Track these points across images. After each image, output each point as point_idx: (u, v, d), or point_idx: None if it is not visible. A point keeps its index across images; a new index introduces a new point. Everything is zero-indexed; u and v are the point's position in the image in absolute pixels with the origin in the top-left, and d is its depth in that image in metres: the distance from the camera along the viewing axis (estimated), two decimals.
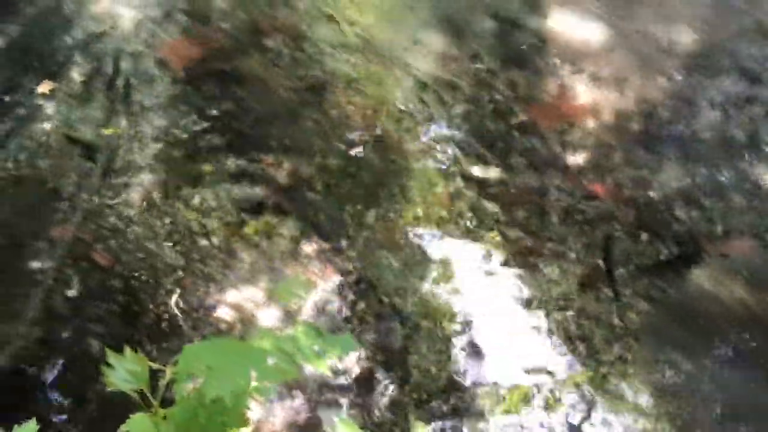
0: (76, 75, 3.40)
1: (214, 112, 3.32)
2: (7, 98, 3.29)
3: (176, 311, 2.73)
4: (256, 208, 3.03)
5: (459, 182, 3.14)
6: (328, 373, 1.14)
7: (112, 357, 1.14)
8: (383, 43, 3.62)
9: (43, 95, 3.29)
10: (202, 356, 1.05)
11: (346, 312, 2.75)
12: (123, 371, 1.11)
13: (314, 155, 3.21)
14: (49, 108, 3.26)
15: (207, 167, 3.12)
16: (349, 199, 3.10)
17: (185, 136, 3.22)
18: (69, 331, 2.65)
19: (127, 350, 1.17)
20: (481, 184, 3.15)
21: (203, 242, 2.91)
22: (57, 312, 2.69)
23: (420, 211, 3.05)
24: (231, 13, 3.72)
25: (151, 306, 2.74)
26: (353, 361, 2.61)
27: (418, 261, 2.91)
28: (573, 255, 2.97)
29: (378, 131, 3.31)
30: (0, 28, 3.55)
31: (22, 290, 2.71)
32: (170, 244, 2.89)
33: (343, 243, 2.96)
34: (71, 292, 2.75)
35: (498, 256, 2.93)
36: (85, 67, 3.43)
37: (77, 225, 2.91)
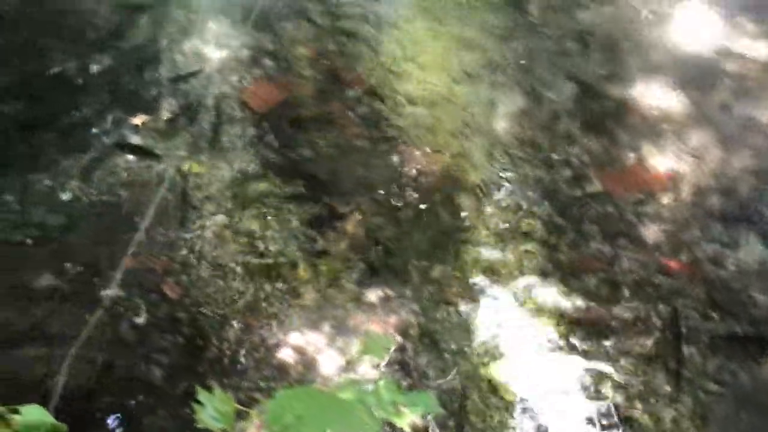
0: (163, 111, 3.54)
1: (291, 156, 3.41)
2: (94, 129, 3.44)
3: (239, 348, 2.77)
4: (324, 253, 3.08)
5: (528, 244, 3.14)
6: (408, 430, 1.14)
7: (202, 395, 1.18)
8: (460, 99, 3.68)
9: (134, 127, 3.44)
10: (292, 405, 1.08)
11: (407, 365, 2.75)
12: (212, 409, 1.15)
13: (385, 205, 3.25)
14: (135, 140, 3.40)
15: (279, 209, 3.19)
16: (417, 251, 3.12)
17: (261, 177, 3.30)
18: (133, 358, 2.71)
19: (217, 390, 1.20)
20: (551, 248, 3.14)
21: (270, 282, 2.96)
22: (123, 339, 2.76)
23: (486, 270, 3.05)
24: (314, 61, 3.84)
25: (214, 341, 2.79)
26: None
27: (481, 321, 2.91)
28: (641, 328, 2.92)
29: (449, 187, 3.34)
30: (94, 61, 3.74)
31: (91, 315, 2.80)
32: (238, 281, 2.95)
33: (408, 295, 2.98)
34: (138, 320, 2.82)
35: (563, 323, 2.90)
36: (172, 103, 3.58)
37: (150, 255, 3.00)
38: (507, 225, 3.21)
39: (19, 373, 2.58)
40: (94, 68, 3.71)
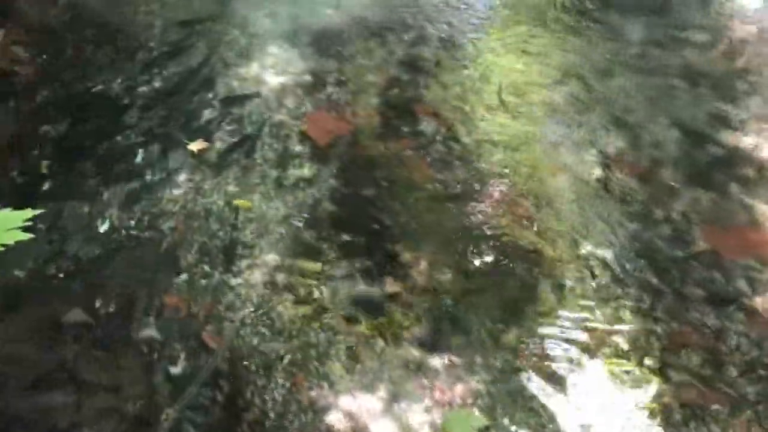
0: (214, 138, 3.60)
1: (352, 196, 3.41)
2: (140, 155, 3.52)
3: (284, 410, 2.75)
4: (385, 308, 3.04)
5: (619, 310, 3.05)
6: None
7: None
8: (548, 140, 3.64)
9: (183, 154, 3.50)
10: None
11: None
12: None
13: (455, 258, 3.21)
14: (183, 171, 3.46)
15: (337, 255, 3.18)
16: (489, 312, 3.06)
17: (318, 218, 3.31)
18: (166, 413, 2.71)
19: None
20: (646, 315, 3.05)
21: (321, 337, 2.93)
22: (156, 390, 2.76)
23: (570, 339, 2.97)
24: (384, 90, 3.87)
25: (257, 400, 2.76)
26: None
27: (561, 398, 2.82)
28: (750, 415, 2.79)
29: (529, 240, 3.29)
30: (143, 81, 3.84)
31: (125, 360, 2.81)
32: (286, 333, 2.94)
33: (478, 361, 2.91)
34: (175, 370, 2.82)
35: (658, 402, 2.80)
36: (224, 130, 3.64)
37: (192, 298, 3.02)
38: (594, 286, 3.12)
39: (44, 424, 2.60)
40: (144, 89, 3.81)
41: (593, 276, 3.16)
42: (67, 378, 2.73)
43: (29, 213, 1.25)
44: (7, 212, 1.24)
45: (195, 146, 3.54)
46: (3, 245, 1.22)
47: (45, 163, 3.44)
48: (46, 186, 3.35)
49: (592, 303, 3.07)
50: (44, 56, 3.91)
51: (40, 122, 3.60)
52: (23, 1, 4.15)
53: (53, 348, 2.80)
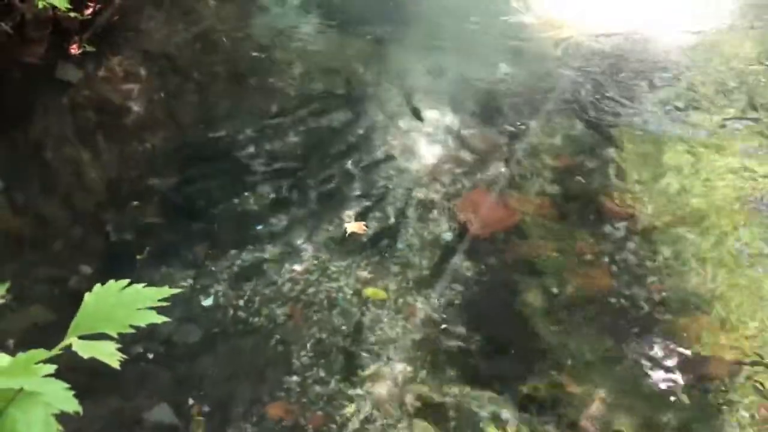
0: (348, 213, 3.67)
1: (511, 303, 3.39)
2: (257, 224, 3.62)
3: None
4: None
5: None
6: None
7: None
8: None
9: (349, 236, 3.59)
10: None
11: None
12: None
13: (637, 394, 3.13)
14: (308, 248, 3.53)
15: (484, 378, 3.15)
16: None
17: (465, 326, 3.30)
18: None
19: None
20: None
21: None
22: None
23: None
24: (564, 175, 3.86)
25: None
26: None
27: None
28: None
29: (732, 377, 3.19)
30: (278, 138, 3.98)
31: None
32: None
33: None
34: None
35: None
36: (363, 207, 3.70)
37: (301, 409, 3.04)
38: None
39: None
40: (274, 144, 3.94)
41: None
42: None
43: (165, 292, 1.30)
44: (139, 288, 1.29)
45: (352, 228, 3.61)
46: (133, 326, 1.26)
47: (146, 220, 3.57)
48: (144, 246, 3.48)
49: None
50: (161, 93, 4.11)
51: (147, 171, 3.76)
52: (148, 23, 4.38)
53: None
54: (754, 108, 4.25)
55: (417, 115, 4.14)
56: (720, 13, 4.94)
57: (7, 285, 1.15)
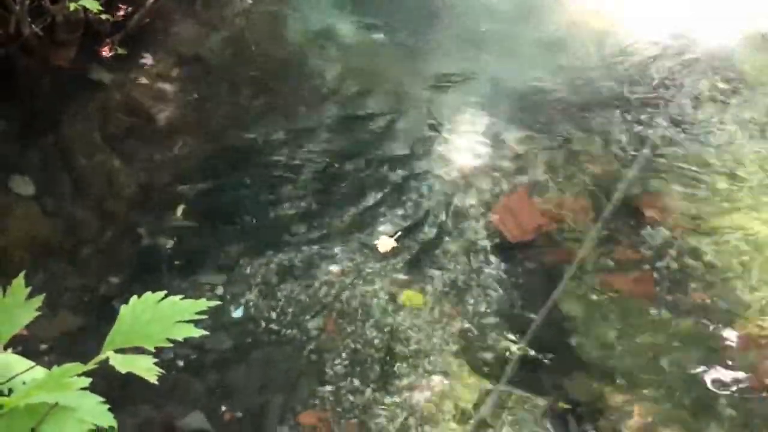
0: (384, 217, 3.66)
1: (549, 310, 3.36)
2: (291, 229, 3.62)
3: None
4: None
5: None
6: None
7: None
8: None
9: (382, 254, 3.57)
10: None
11: None
12: None
13: (675, 404, 3.10)
14: (343, 256, 3.52)
15: (525, 383, 3.14)
16: None
17: (501, 333, 3.28)
18: None
19: None
20: None
21: None
22: None
23: None
24: (605, 180, 3.84)
25: None
26: None
27: None
28: None
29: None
30: (312, 142, 3.98)
31: None
32: None
33: None
34: None
35: None
36: (398, 214, 3.69)
37: (335, 418, 3.03)
38: None
39: None
40: (308, 149, 3.93)
41: None
42: None
43: (202, 304, 1.28)
44: (176, 300, 1.28)
45: (383, 246, 3.59)
46: (170, 340, 1.25)
47: (177, 225, 3.58)
48: (174, 252, 3.48)
49: None
50: (194, 95, 4.11)
51: (178, 176, 3.77)
52: (182, 27, 4.39)
53: None
54: None
55: (453, 118, 4.11)
56: None
57: (42, 297, 1.14)
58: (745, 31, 4.73)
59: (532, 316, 3.35)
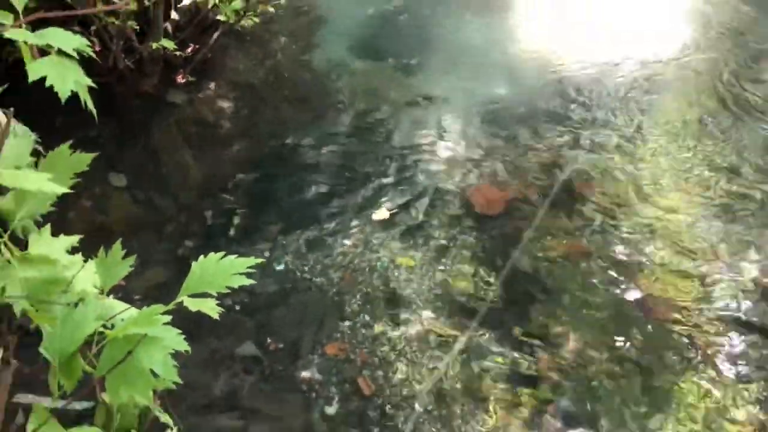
0: (385, 203, 3.67)
1: (508, 263, 3.38)
2: (317, 208, 3.64)
3: None
4: (530, 378, 2.98)
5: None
6: None
7: None
8: (698, 234, 3.51)
9: (378, 222, 3.58)
10: None
11: None
12: None
13: (604, 337, 3.11)
14: (356, 229, 3.53)
15: (489, 318, 3.15)
16: (634, 396, 2.94)
17: (475, 283, 3.29)
18: None
19: None
20: None
21: (466, 398, 2.90)
22: (310, 426, 2.80)
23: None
24: (547, 168, 3.85)
25: None
26: None
27: None
28: None
29: (677, 331, 3.15)
30: (327, 139, 4.00)
31: (287, 395, 2.88)
32: (433, 390, 2.91)
33: None
34: (330, 410, 2.86)
35: None
36: (396, 195, 3.70)
37: (351, 345, 3.06)
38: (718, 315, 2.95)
39: None
40: (329, 149, 3.95)
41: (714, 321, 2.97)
42: (234, 405, 2.81)
43: (252, 261, 1.31)
44: (233, 259, 1.30)
45: (378, 215, 3.60)
46: (228, 288, 1.28)
47: (233, 206, 3.60)
48: (233, 226, 3.50)
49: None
50: (245, 111, 4.13)
51: (234, 170, 3.79)
52: (235, 60, 4.41)
53: (224, 377, 2.90)
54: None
55: (438, 123, 4.12)
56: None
57: (133, 258, 1.17)
58: (661, 54, 4.72)
59: (497, 270, 3.35)
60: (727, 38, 5.04)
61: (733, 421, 2.85)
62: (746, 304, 3.25)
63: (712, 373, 3.00)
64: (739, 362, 3.03)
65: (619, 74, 4.64)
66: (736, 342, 3.11)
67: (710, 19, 5.20)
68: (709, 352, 3.06)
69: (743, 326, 3.17)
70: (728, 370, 3.00)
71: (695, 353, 3.06)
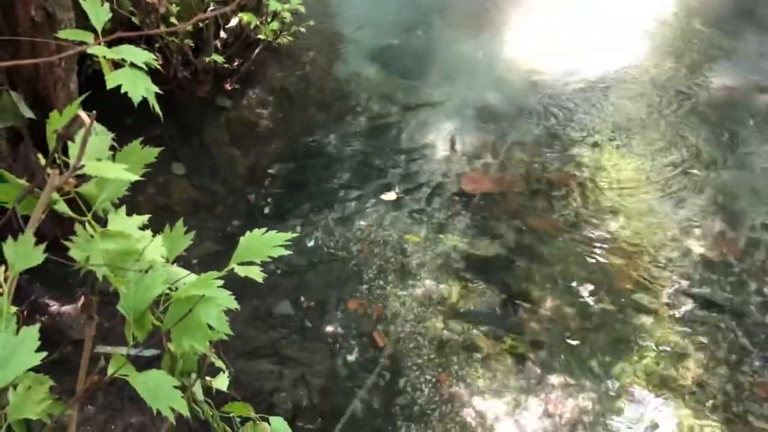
0: (394, 188, 3.66)
1: (491, 236, 3.37)
2: (340, 193, 3.63)
3: (428, 400, 2.72)
4: (514, 331, 2.97)
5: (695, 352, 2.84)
6: None
7: None
8: (662, 217, 3.48)
9: (384, 202, 3.56)
10: None
11: None
12: None
13: (576, 298, 3.10)
14: (371, 210, 3.52)
15: (477, 281, 3.14)
16: (600, 346, 2.94)
17: (468, 254, 3.29)
18: (339, 389, 2.75)
19: None
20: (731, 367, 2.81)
21: (462, 347, 2.90)
22: (334, 371, 2.81)
23: (666, 378, 2.79)
24: (526, 161, 3.83)
25: (409, 389, 2.76)
26: None
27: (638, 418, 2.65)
28: None
29: (640, 290, 3.14)
30: (347, 136, 3.98)
31: (316, 344, 2.88)
32: (435, 341, 2.92)
33: (587, 385, 2.79)
34: (350, 357, 2.86)
35: None
36: (405, 183, 3.69)
37: (368, 303, 3.06)
38: (681, 334, 2.93)
39: (254, 383, 2.71)
40: (350, 145, 3.93)
41: (685, 333, 2.95)
42: (273, 353, 2.82)
43: (289, 235, 1.30)
44: (273, 234, 1.30)
45: (387, 197, 3.59)
46: (270, 257, 1.27)
47: (272, 191, 3.60)
48: (272, 208, 3.50)
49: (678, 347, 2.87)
50: (280, 114, 4.12)
51: (272, 162, 3.78)
52: (272, 71, 4.39)
53: (265, 330, 2.91)
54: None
55: (435, 124, 4.09)
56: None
57: (193, 233, 1.17)
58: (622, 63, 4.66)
59: (486, 243, 3.34)
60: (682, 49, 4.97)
61: (680, 367, 2.83)
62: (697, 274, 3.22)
63: (665, 329, 2.98)
64: (687, 317, 3.01)
65: (589, 79, 4.59)
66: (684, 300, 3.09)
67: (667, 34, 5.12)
68: (660, 312, 3.04)
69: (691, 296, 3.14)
70: (677, 324, 2.98)
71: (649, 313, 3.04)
